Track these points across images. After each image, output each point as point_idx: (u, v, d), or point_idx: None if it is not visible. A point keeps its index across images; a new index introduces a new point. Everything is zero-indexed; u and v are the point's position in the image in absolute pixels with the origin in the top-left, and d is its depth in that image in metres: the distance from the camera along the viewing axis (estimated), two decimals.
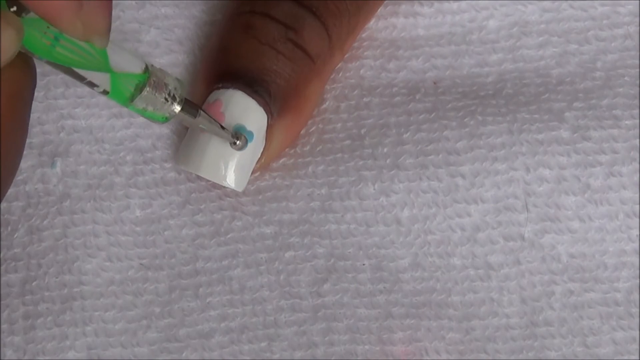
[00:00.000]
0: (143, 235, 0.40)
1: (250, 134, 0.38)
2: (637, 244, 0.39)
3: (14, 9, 0.29)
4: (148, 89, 0.33)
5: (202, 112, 0.35)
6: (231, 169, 0.38)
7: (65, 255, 0.39)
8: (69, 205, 0.40)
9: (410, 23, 0.41)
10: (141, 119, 0.40)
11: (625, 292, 0.39)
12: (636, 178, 0.39)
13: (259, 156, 0.39)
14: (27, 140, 0.36)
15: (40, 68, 0.34)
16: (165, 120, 0.34)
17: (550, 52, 0.41)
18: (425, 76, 0.41)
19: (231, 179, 0.38)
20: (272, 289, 0.39)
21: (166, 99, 0.33)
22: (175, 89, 0.34)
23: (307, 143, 0.40)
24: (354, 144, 0.40)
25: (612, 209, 0.39)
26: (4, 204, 0.40)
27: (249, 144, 0.38)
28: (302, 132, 0.40)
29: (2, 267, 0.39)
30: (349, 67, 0.41)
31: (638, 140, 0.39)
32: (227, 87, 0.38)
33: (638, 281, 0.39)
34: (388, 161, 0.39)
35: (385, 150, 0.39)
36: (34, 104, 0.37)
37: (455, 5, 0.41)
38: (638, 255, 0.39)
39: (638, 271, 0.39)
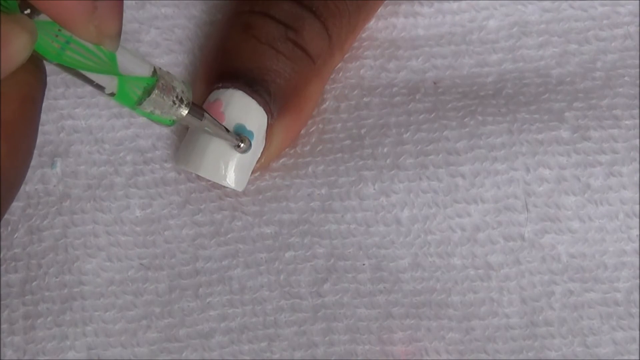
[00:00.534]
0: (143, 235, 0.40)
1: (250, 133, 0.38)
2: (637, 244, 0.39)
3: (27, 11, 0.29)
4: (157, 92, 0.33)
5: (207, 114, 0.35)
6: (231, 168, 0.38)
7: (65, 255, 0.39)
8: (69, 206, 0.40)
9: (410, 23, 0.41)
10: (141, 119, 0.40)
11: (625, 292, 0.39)
12: (636, 178, 0.39)
13: (259, 156, 0.39)
14: None
15: None
16: (172, 123, 0.34)
17: (550, 52, 0.41)
18: (425, 76, 0.41)
19: (231, 179, 0.38)
20: (272, 289, 0.39)
21: (174, 102, 0.33)
22: (182, 92, 0.33)
23: (307, 143, 0.40)
24: (354, 144, 0.40)
25: (612, 209, 0.39)
26: None
27: None
28: (302, 132, 0.40)
29: (2, 267, 0.39)
30: (349, 67, 0.41)
31: (638, 140, 0.39)
32: (227, 87, 0.38)
33: (638, 281, 0.39)
34: (388, 161, 0.39)
35: (385, 150, 0.39)
36: None
37: (455, 5, 0.41)
38: (638, 255, 0.39)
39: (638, 271, 0.39)
